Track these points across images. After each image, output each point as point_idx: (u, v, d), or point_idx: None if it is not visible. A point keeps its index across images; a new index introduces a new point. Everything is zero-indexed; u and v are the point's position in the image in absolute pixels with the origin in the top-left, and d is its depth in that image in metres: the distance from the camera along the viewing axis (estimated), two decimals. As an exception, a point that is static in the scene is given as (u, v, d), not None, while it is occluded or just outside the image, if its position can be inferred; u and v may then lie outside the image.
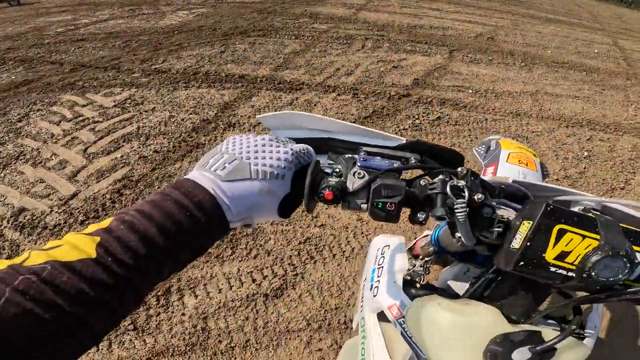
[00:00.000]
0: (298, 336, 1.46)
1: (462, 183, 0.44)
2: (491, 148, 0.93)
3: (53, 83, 3.28)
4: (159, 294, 1.56)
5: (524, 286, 0.54)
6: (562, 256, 0.42)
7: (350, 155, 0.50)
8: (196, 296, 1.57)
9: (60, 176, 2.20)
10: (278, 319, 1.51)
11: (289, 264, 1.73)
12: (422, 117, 2.96)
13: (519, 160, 0.90)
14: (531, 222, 0.42)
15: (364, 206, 0.45)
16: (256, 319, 1.51)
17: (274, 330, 1.48)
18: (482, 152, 1.01)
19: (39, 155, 2.38)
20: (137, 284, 0.32)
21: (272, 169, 0.41)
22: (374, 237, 0.86)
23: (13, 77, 3.50)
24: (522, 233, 0.43)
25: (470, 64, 4.16)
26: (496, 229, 0.46)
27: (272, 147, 0.43)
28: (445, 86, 3.52)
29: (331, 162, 0.52)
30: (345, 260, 1.76)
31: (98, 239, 0.32)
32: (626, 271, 0.39)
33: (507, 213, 0.49)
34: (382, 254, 0.78)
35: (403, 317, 0.64)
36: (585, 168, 2.58)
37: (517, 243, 0.43)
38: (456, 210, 0.43)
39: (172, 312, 1.50)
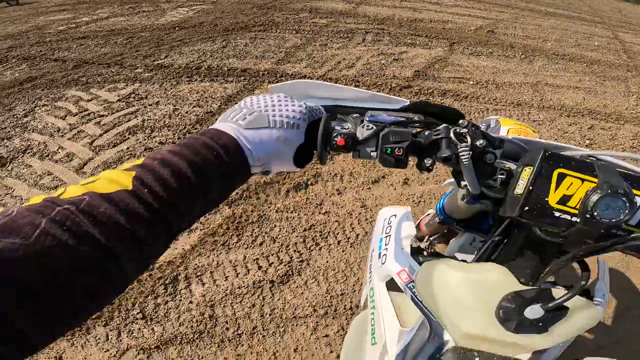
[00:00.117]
0: (304, 322, 1.48)
1: (464, 130, 0.47)
2: (491, 126, 0.95)
3: (57, 79, 3.31)
4: (167, 282, 1.58)
5: (530, 247, 0.54)
6: (564, 200, 0.43)
7: (358, 115, 0.53)
8: (203, 284, 1.59)
9: (67, 168, 2.22)
10: (284, 306, 1.52)
11: (294, 250, 1.75)
12: (424, 108, 2.97)
13: (519, 135, 0.93)
14: (532, 168, 0.44)
15: (374, 154, 0.48)
16: (263, 305, 1.52)
17: (281, 316, 1.49)
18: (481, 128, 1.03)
19: (46, 148, 2.40)
20: (169, 218, 0.33)
21: (289, 119, 0.45)
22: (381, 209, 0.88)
23: (17, 75, 3.52)
24: (524, 179, 0.45)
25: (471, 56, 4.17)
26: (499, 176, 0.48)
27: (288, 103, 0.47)
28: (446, 78, 3.54)
29: (340, 121, 0.54)
30: (350, 246, 1.78)
31: (133, 173, 0.33)
32: (627, 211, 0.40)
33: (509, 164, 0.50)
34: (389, 223, 0.79)
35: (412, 281, 0.65)
36: (586, 156, 2.59)
37: (520, 188, 0.45)
38: (460, 154, 0.45)
39: (180, 300, 1.52)
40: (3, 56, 4.12)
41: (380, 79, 3.39)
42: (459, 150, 0.46)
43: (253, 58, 3.74)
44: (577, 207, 0.43)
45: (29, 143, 2.46)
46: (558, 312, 0.51)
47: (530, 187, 0.44)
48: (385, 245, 0.77)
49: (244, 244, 1.76)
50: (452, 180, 0.92)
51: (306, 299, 1.56)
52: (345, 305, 1.56)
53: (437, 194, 2.16)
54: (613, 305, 1.60)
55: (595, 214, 0.41)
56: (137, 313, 1.46)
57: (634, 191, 0.42)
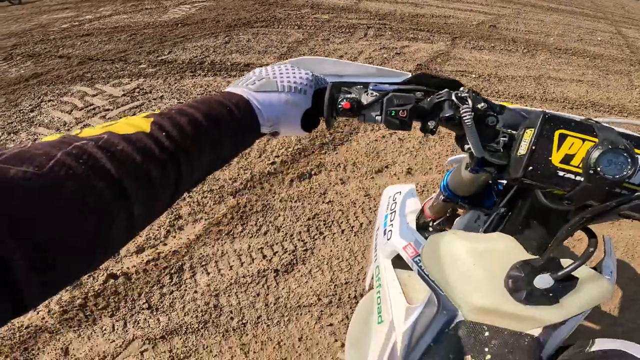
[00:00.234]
0: (309, 311, 1.48)
1: (465, 94, 0.49)
2: None
3: (62, 76, 3.33)
4: (172, 271, 1.59)
5: (535, 217, 0.55)
6: (567, 159, 0.44)
7: (361, 87, 0.55)
8: (208, 273, 1.60)
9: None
10: (289, 295, 1.53)
11: (298, 239, 1.76)
12: (426, 101, 2.98)
13: None
14: (533, 130, 0.45)
15: (379, 118, 0.50)
16: (267, 295, 1.52)
17: (285, 305, 1.49)
18: None
19: (52, 142, 2.43)
20: (181, 163, 0.34)
21: (296, 85, 0.47)
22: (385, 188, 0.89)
23: (22, 71, 3.55)
24: (526, 140, 0.46)
25: (473, 50, 4.17)
26: (502, 139, 0.49)
27: (295, 70, 0.50)
28: (449, 71, 3.54)
29: (345, 93, 0.56)
30: (354, 235, 1.80)
31: (152, 119, 0.34)
32: (629, 166, 0.41)
33: (510, 130, 0.51)
34: (394, 200, 0.80)
35: (419, 255, 0.64)
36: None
37: (523, 149, 0.46)
38: (463, 115, 0.47)
39: (185, 290, 1.53)
40: (8, 54, 4.15)
41: (382, 73, 3.39)
42: (462, 112, 0.47)
43: (256, 53, 3.76)
44: (580, 165, 0.43)
45: (35, 137, 2.49)
46: (568, 283, 0.50)
47: (533, 147, 0.44)
48: (391, 221, 0.77)
49: (248, 233, 1.78)
50: (455, 157, 0.93)
51: (310, 287, 1.57)
52: (350, 294, 1.56)
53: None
54: (619, 295, 1.60)
55: (599, 169, 0.41)
56: (143, 303, 1.47)
57: (636, 150, 0.43)
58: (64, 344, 1.34)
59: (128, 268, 1.59)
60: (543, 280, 0.49)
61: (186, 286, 1.55)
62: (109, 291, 1.50)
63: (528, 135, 0.46)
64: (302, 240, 1.76)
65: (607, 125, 0.49)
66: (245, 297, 1.51)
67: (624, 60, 4.42)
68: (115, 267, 1.60)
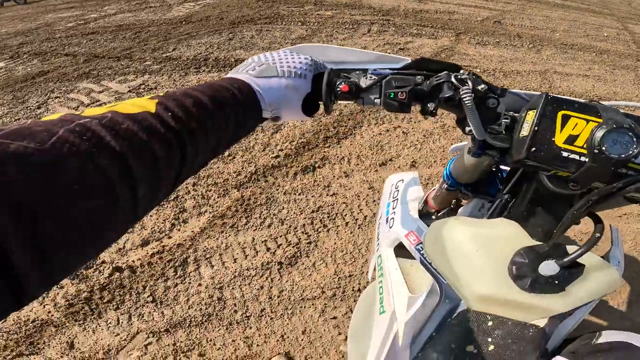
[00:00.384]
0: (313, 304, 1.48)
1: (465, 76, 0.48)
2: None
3: (68, 73, 3.36)
4: (177, 264, 1.60)
5: (540, 203, 0.53)
6: (570, 140, 0.43)
7: (361, 72, 0.55)
8: (212, 266, 1.60)
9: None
10: (293, 288, 1.53)
11: (302, 232, 1.76)
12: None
13: None
14: (535, 110, 0.44)
15: (377, 100, 0.50)
16: (271, 287, 1.52)
17: (289, 298, 1.49)
18: None
19: (58, 137, 2.45)
20: (186, 143, 0.33)
21: (296, 69, 0.48)
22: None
23: (29, 69, 3.59)
24: (528, 122, 0.45)
25: (477, 45, 4.14)
26: (504, 121, 0.48)
27: (294, 55, 0.50)
28: (453, 67, 3.52)
29: (345, 78, 0.56)
30: (358, 228, 1.79)
31: (157, 100, 0.34)
32: (635, 145, 0.40)
33: (512, 113, 0.51)
34: (396, 188, 0.79)
35: (421, 243, 0.63)
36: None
37: (525, 131, 0.45)
38: (463, 97, 0.46)
39: (189, 283, 1.53)
40: (14, 52, 4.19)
41: (386, 69, 3.39)
42: (461, 93, 0.47)
43: (259, 49, 3.76)
44: (584, 146, 0.42)
45: (41, 132, 2.51)
46: (574, 270, 0.49)
47: (536, 128, 0.44)
48: (393, 209, 0.76)
49: (252, 226, 1.78)
50: (457, 145, 0.92)
51: (314, 280, 1.56)
52: (354, 287, 1.56)
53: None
54: (627, 290, 1.58)
55: (604, 149, 0.40)
56: (148, 296, 1.48)
57: None
58: (70, 337, 1.35)
59: (133, 261, 1.60)
60: (548, 267, 0.48)
61: (190, 279, 1.55)
62: (114, 284, 1.51)
63: (530, 117, 0.45)
64: (306, 233, 1.76)
65: (610, 106, 0.48)
66: (249, 290, 1.51)
67: (630, 55, 4.37)
68: (121, 260, 1.61)
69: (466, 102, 0.46)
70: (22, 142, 0.21)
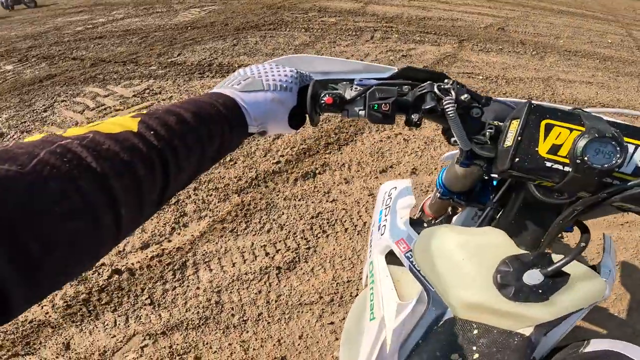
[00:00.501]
0: (310, 309, 1.47)
1: (448, 86, 0.48)
2: None
3: (75, 77, 3.42)
4: (175, 268, 1.60)
5: (529, 212, 0.53)
6: (554, 149, 0.42)
7: (348, 82, 0.55)
8: (211, 270, 1.60)
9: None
10: (290, 292, 1.53)
11: (301, 237, 1.77)
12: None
13: None
14: (519, 120, 0.44)
15: (362, 112, 0.50)
16: (269, 292, 1.52)
17: (286, 303, 1.49)
18: None
19: (63, 140, 2.49)
20: (169, 162, 0.32)
21: (281, 82, 0.48)
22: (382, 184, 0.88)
23: (37, 73, 3.65)
24: (512, 131, 0.45)
25: (480, 52, 4.15)
26: (488, 131, 0.48)
27: (279, 68, 0.50)
28: (455, 73, 3.53)
29: (332, 89, 0.56)
30: (357, 234, 1.80)
31: (139, 118, 0.33)
32: (618, 155, 0.39)
33: (497, 122, 0.50)
34: (389, 196, 0.78)
35: (411, 251, 0.63)
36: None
37: (509, 140, 0.45)
38: (445, 107, 0.46)
39: (188, 286, 1.54)
40: (23, 55, 4.28)
41: (388, 75, 3.40)
42: (444, 104, 0.46)
43: (263, 55, 3.80)
44: (567, 156, 0.42)
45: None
46: (559, 279, 0.48)
47: (519, 138, 0.43)
48: (385, 216, 0.76)
49: (252, 230, 1.79)
50: (450, 153, 0.93)
51: (312, 285, 1.56)
52: (352, 293, 1.56)
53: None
54: (627, 297, 1.57)
55: (586, 159, 0.40)
56: (146, 299, 1.48)
57: (624, 138, 0.41)
58: (66, 338, 1.35)
59: (132, 264, 1.61)
60: (532, 276, 0.48)
61: (189, 282, 1.56)
62: (112, 286, 1.52)
63: (514, 126, 0.44)
64: (305, 239, 1.77)
65: (596, 114, 0.48)
66: (247, 294, 1.52)
67: (634, 62, 4.35)
68: (120, 262, 1.62)
69: (449, 112, 0.46)
70: (4, 166, 0.22)
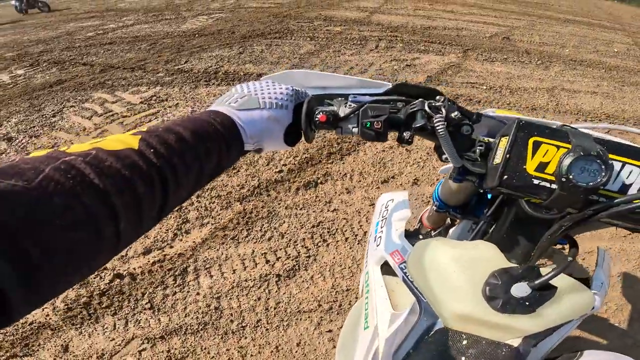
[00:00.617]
0: (309, 317, 1.48)
1: (439, 104, 0.49)
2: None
3: (85, 82, 3.50)
4: (177, 273, 1.62)
5: (520, 226, 0.55)
6: (541, 167, 0.43)
7: (343, 98, 0.56)
8: (211, 276, 1.62)
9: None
10: (290, 300, 1.53)
11: (302, 246, 1.78)
12: (435, 112, 2.99)
13: None
14: (508, 137, 0.45)
15: (355, 129, 0.51)
16: (268, 299, 1.53)
17: (285, 310, 1.50)
18: None
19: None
20: (168, 179, 0.34)
21: (277, 100, 0.49)
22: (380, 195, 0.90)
23: (47, 77, 3.74)
24: (501, 148, 0.46)
25: (485, 62, 4.16)
26: (478, 148, 0.49)
27: (275, 86, 0.51)
28: (459, 83, 3.54)
29: (327, 105, 0.57)
30: (358, 243, 1.80)
31: (140, 136, 0.34)
32: (603, 173, 0.40)
33: (488, 139, 0.51)
34: (386, 208, 0.80)
35: (404, 262, 0.65)
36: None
37: (498, 158, 0.46)
38: (435, 125, 0.47)
39: (188, 292, 1.55)
40: (34, 60, 4.38)
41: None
42: (434, 122, 0.47)
43: (268, 64, 3.85)
44: (554, 173, 0.43)
45: (55, 141, 2.61)
46: (546, 292, 0.50)
47: (507, 156, 0.44)
48: (381, 228, 0.78)
49: (253, 238, 1.81)
50: (446, 167, 0.94)
51: (311, 293, 1.57)
52: (351, 301, 1.56)
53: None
54: (629, 308, 1.56)
55: (571, 177, 0.40)
56: (146, 303, 1.50)
57: (611, 155, 0.42)
58: (65, 340, 1.37)
59: (134, 268, 1.64)
60: (520, 289, 0.49)
61: (189, 288, 1.57)
62: (114, 290, 1.54)
63: (503, 144, 0.45)
64: (305, 247, 1.78)
65: (584, 130, 0.48)
66: (246, 301, 1.53)
67: (641, 72, 4.34)
68: (122, 267, 1.65)
69: (439, 130, 0.47)
70: (10, 181, 0.23)
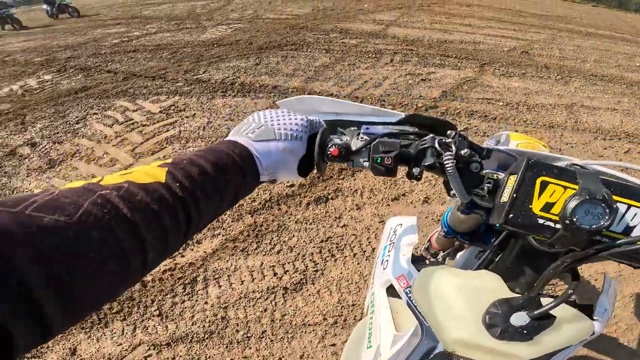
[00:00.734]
0: (313, 330, 1.49)
1: (449, 140, 0.50)
2: (501, 141, 0.96)
3: (108, 90, 3.64)
4: (186, 282, 1.66)
5: (526, 258, 0.55)
6: (547, 207, 0.44)
7: (355, 128, 0.57)
8: (220, 286, 1.65)
9: (110, 172, 2.43)
10: (295, 312, 1.55)
11: (310, 260, 1.79)
12: (449, 128, 2.98)
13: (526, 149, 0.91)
14: (516, 176, 0.45)
15: (366, 164, 0.52)
16: (274, 311, 1.55)
17: (290, 323, 1.51)
18: (492, 144, 1.04)
19: (93, 153, 2.65)
20: (191, 211, 0.36)
21: (292, 132, 0.50)
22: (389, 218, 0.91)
23: (73, 84, 3.91)
24: (509, 187, 0.46)
25: (502, 77, 4.11)
26: (486, 185, 0.50)
27: (291, 116, 0.52)
28: (475, 98, 3.51)
29: (340, 134, 0.58)
30: (366, 259, 1.81)
31: (166, 169, 0.37)
32: (607, 217, 0.40)
33: (496, 174, 0.51)
34: (394, 232, 0.81)
35: (409, 287, 0.66)
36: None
37: (505, 196, 0.46)
38: (445, 163, 0.48)
39: (196, 301, 1.58)
40: (62, 66, 4.58)
41: (406, 99, 3.43)
42: (444, 160, 0.48)
43: (283, 76, 3.92)
44: (559, 214, 0.43)
45: (78, 148, 2.72)
46: (544, 321, 0.50)
47: (515, 195, 0.45)
48: (389, 252, 0.79)
49: (262, 251, 1.84)
50: None
51: (317, 307, 1.58)
52: (356, 316, 1.56)
53: (457, 214, 2.14)
54: (638, 328, 1.54)
55: (575, 219, 0.41)
56: (155, 310, 1.54)
57: (616, 197, 0.43)
58: (73, 344, 1.42)
59: (145, 276, 1.69)
60: (519, 318, 0.50)
61: (197, 297, 1.61)
62: (124, 296, 1.59)
63: (511, 182, 0.46)
64: (313, 261, 1.79)
65: (593, 169, 0.49)
66: (253, 312, 1.55)
67: (665, 89, 4.20)
68: (137, 274, 1.70)
69: (448, 169, 0.47)
70: (54, 216, 0.26)
